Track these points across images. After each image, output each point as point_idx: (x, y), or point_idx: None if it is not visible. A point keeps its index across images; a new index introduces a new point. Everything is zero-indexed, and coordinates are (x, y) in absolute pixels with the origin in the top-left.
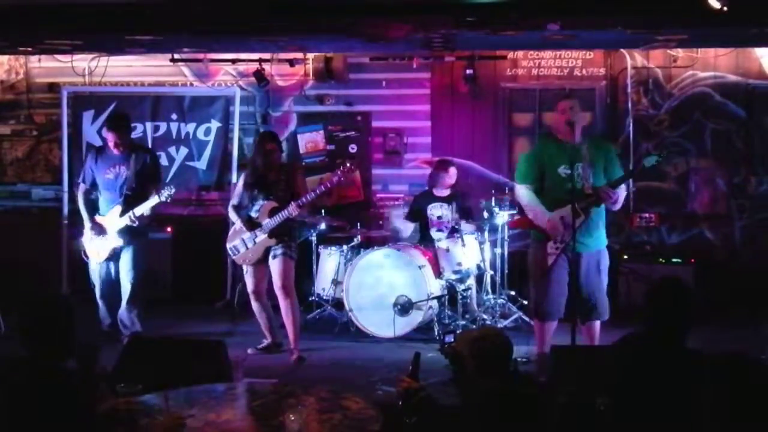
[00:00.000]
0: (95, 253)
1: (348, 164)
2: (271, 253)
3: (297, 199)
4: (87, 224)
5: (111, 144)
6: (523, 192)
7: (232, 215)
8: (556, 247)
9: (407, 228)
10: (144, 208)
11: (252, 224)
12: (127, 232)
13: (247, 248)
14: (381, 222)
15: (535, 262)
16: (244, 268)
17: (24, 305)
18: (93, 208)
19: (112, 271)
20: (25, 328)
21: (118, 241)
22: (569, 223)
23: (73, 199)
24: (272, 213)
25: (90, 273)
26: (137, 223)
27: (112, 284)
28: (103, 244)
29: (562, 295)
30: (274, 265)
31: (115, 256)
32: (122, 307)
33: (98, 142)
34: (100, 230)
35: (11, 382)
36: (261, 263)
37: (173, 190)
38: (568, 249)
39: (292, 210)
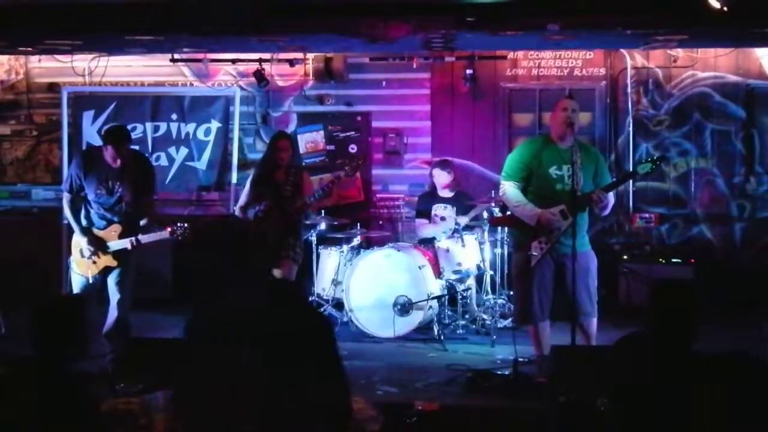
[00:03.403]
0: (85, 268)
1: (349, 165)
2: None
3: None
4: (79, 236)
5: (110, 159)
6: (510, 190)
7: (240, 216)
8: (541, 247)
9: (427, 229)
10: (150, 239)
11: (260, 224)
12: (123, 253)
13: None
14: (381, 222)
15: (519, 267)
16: None
17: (38, 305)
18: (80, 218)
19: (94, 284)
20: (37, 329)
21: (113, 262)
22: (557, 224)
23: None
24: (279, 213)
25: (70, 279)
26: (136, 249)
27: (91, 296)
28: (97, 261)
29: (546, 295)
30: (276, 268)
31: (105, 272)
32: (108, 325)
33: (98, 142)
34: (97, 246)
35: (17, 381)
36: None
37: (186, 228)
38: (554, 251)
39: (299, 209)
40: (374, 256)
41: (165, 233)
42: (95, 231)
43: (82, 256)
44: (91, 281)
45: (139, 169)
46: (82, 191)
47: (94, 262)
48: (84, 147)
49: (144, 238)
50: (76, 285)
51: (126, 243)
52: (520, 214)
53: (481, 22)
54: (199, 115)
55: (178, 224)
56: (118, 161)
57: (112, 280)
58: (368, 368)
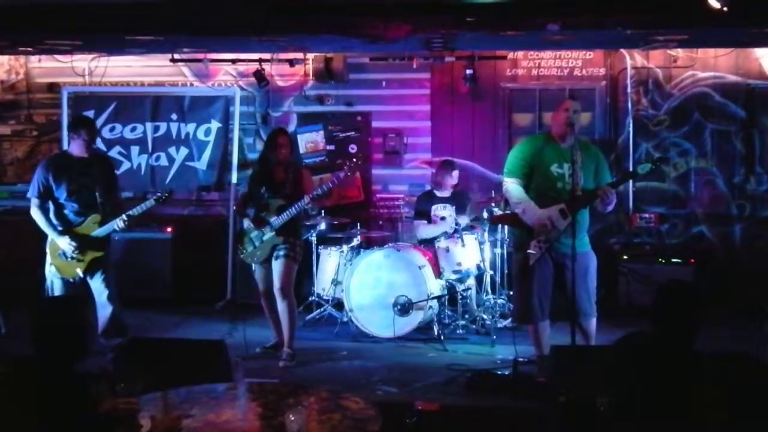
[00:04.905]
0: (71, 269)
1: (354, 160)
2: (275, 254)
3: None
4: (58, 239)
5: (81, 148)
6: (512, 187)
7: (239, 214)
8: (540, 246)
9: (426, 230)
10: (140, 211)
11: (260, 222)
12: (104, 241)
13: (255, 247)
14: (381, 222)
15: (518, 267)
16: (253, 267)
17: (37, 305)
18: (53, 222)
19: (75, 286)
20: (37, 329)
21: (98, 253)
22: (556, 223)
23: None
24: (280, 210)
25: (48, 286)
26: (125, 226)
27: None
28: (83, 258)
29: (546, 295)
30: (276, 266)
31: (90, 269)
32: (103, 324)
33: (99, 143)
34: (79, 242)
35: (17, 381)
36: (268, 262)
37: (168, 193)
38: (553, 251)
39: (305, 203)
40: (374, 256)
41: (150, 203)
42: (75, 229)
43: (65, 258)
44: (75, 281)
45: (104, 164)
46: (51, 194)
47: (80, 260)
48: None
49: (134, 211)
50: (58, 289)
51: (117, 222)
52: (521, 213)
53: (481, 22)
54: (199, 115)
55: (159, 192)
56: (87, 142)
57: (97, 279)
58: (368, 368)
